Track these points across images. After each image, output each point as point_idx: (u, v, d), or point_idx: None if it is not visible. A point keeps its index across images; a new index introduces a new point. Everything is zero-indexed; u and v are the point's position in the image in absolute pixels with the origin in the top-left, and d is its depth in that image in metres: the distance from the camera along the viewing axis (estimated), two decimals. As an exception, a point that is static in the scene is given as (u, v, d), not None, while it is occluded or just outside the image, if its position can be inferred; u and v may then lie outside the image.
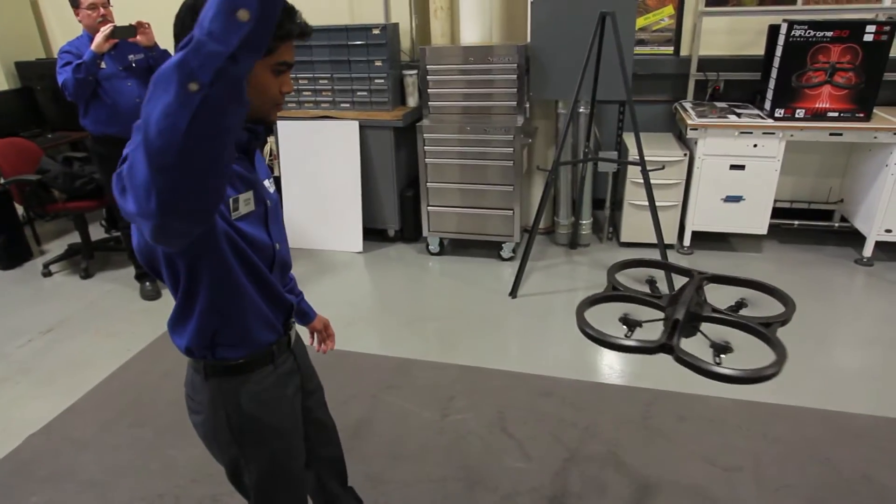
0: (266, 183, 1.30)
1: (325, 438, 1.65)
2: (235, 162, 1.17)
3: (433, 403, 2.68)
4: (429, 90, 3.91)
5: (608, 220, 4.35)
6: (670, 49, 4.33)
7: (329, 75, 4.20)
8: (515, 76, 3.75)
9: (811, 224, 4.26)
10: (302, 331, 1.56)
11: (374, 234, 4.38)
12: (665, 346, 1.40)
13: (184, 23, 1.08)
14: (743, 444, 2.41)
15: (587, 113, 3.82)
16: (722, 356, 1.41)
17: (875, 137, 3.62)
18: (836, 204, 4.31)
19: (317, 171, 4.20)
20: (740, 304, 1.61)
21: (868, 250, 3.87)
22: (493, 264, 4.04)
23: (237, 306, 1.22)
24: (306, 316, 1.66)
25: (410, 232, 4.33)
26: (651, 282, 1.79)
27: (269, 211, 1.28)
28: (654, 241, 3.56)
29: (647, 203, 3.50)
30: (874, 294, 3.60)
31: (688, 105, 4.13)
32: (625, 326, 1.59)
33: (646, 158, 3.43)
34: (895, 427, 2.48)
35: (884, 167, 3.66)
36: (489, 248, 4.15)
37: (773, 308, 1.57)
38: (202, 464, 2.22)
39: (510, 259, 4.04)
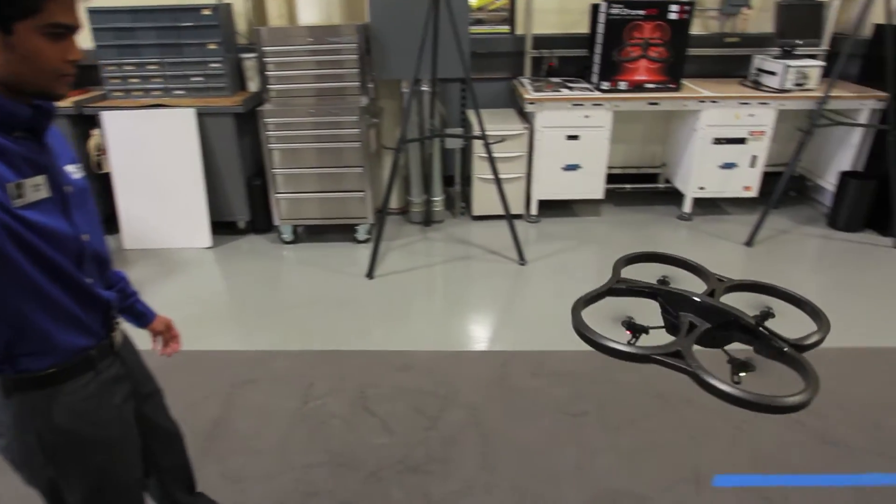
0: (70, 168, 1.18)
1: (167, 445, 1.55)
2: (18, 142, 1.05)
3: (293, 392, 2.62)
4: (268, 73, 3.76)
5: (460, 196, 4.48)
6: (507, 28, 4.50)
7: (158, 60, 3.90)
8: (357, 56, 3.71)
9: (641, 187, 4.68)
10: (143, 335, 1.46)
11: (223, 227, 4.16)
12: (677, 354, 1.23)
13: None
14: (590, 390, 2.61)
15: (430, 91, 3.88)
16: (741, 374, 1.25)
17: (685, 105, 4.03)
18: (661, 167, 4.76)
19: (152, 164, 3.89)
20: (765, 315, 1.40)
21: (687, 206, 4.33)
22: (350, 248, 4.01)
23: (32, 309, 1.09)
24: (144, 317, 1.53)
25: (262, 222, 4.17)
26: (663, 282, 1.62)
27: (71, 198, 1.15)
28: (508, 213, 3.73)
29: (493, 176, 3.64)
30: (694, 244, 4.04)
31: (525, 81, 4.33)
32: (628, 332, 1.41)
33: (487, 133, 3.56)
34: (712, 358, 2.81)
35: (693, 132, 4.10)
36: (345, 232, 4.11)
37: (798, 319, 1.45)
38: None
39: (366, 241, 4.03)
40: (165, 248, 4.00)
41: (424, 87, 3.97)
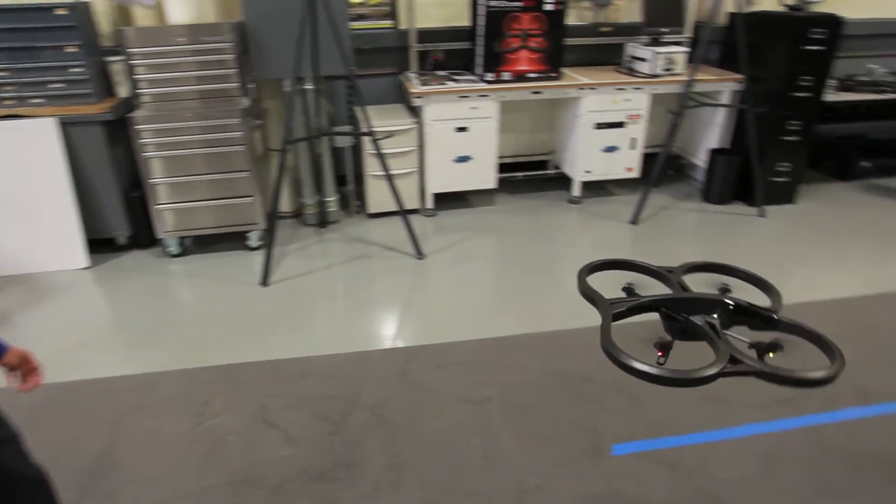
0: None
1: (30, 495, 1.41)
2: None
3: (185, 414, 2.48)
4: (138, 77, 3.52)
5: (354, 194, 4.41)
6: (390, 23, 4.47)
7: (8, 66, 3.55)
8: (233, 56, 3.55)
9: (532, 174, 4.81)
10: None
11: (101, 244, 3.86)
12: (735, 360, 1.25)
13: None
14: (492, 377, 2.65)
15: (315, 89, 3.78)
16: (770, 355, 1.33)
17: (566, 93, 4.18)
18: (549, 154, 4.92)
19: (10, 181, 3.54)
20: (725, 290, 1.55)
21: (576, 190, 4.50)
22: (243, 256, 3.85)
23: None
24: None
25: (145, 236, 3.91)
26: (629, 290, 1.65)
27: None
28: (402, 208, 3.70)
29: (385, 173, 3.60)
30: (585, 225, 4.21)
31: (412, 75, 4.32)
32: (660, 353, 1.39)
33: (375, 129, 3.52)
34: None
35: (576, 118, 4.26)
36: (236, 240, 3.94)
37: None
38: None
39: (259, 248, 3.88)
40: (34, 273, 3.66)
41: (308, 86, 3.87)
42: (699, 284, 1.68)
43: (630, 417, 2.43)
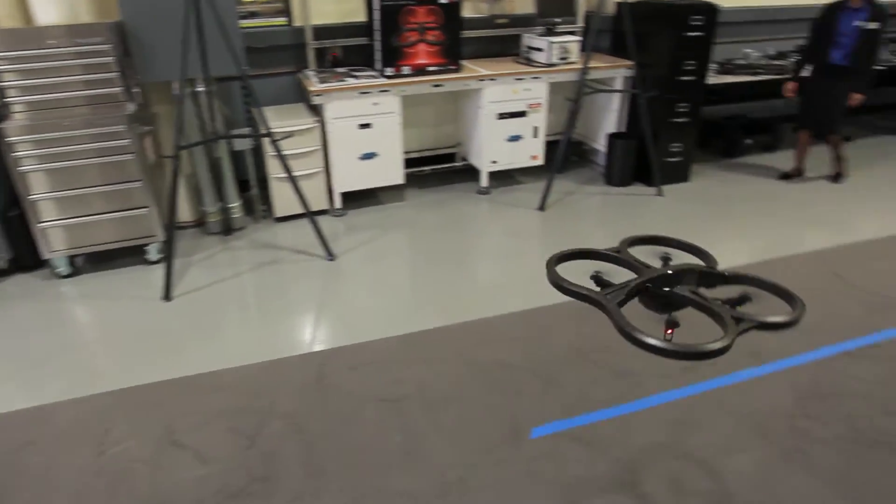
0: None
1: None
2: None
3: (84, 444, 2.31)
4: (5, 84, 3.23)
5: (259, 199, 4.26)
6: (284, 20, 4.33)
7: None
8: (114, 58, 3.32)
9: (440, 167, 4.83)
10: None
11: (-24, 270, 3.53)
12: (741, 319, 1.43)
13: None
14: (407, 373, 2.63)
15: (206, 91, 3.62)
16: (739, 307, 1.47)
17: (467, 85, 4.21)
18: (456, 147, 4.95)
19: None
20: (666, 259, 1.75)
21: (484, 181, 4.56)
22: (142, 271, 3.63)
23: None
24: None
25: (28, 258, 3.60)
26: (598, 277, 1.72)
27: None
28: (312, 209, 3.61)
29: (287, 175, 3.50)
30: (494, 215, 4.27)
31: (311, 73, 4.22)
32: (669, 331, 1.54)
33: (274, 129, 3.41)
34: (517, 319, 3.00)
35: (478, 109, 4.30)
36: (134, 255, 3.70)
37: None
38: None
39: (160, 261, 3.67)
40: None
41: (200, 88, 3.69)
42: (644, 256, 1.77)
43: (546, 400, 2.49)
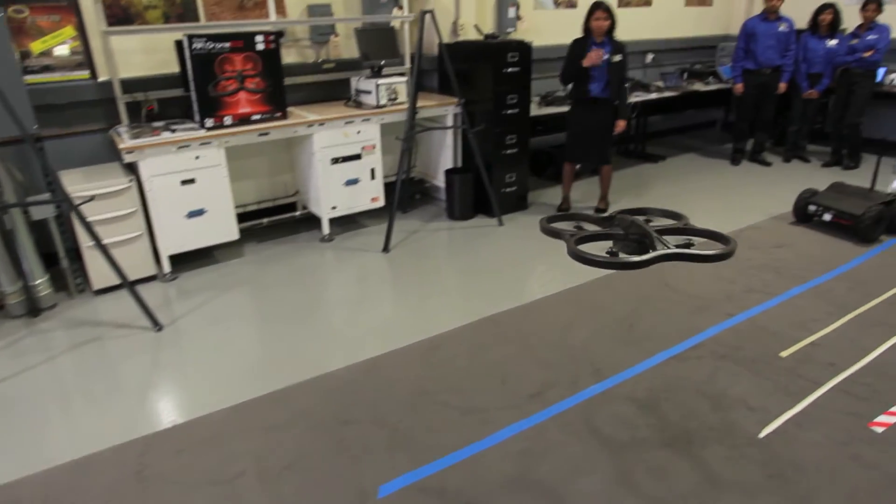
0: None
1: None
2: None
3: None
4: None
5: (71, 272, 3.79)
6: (86, 74, 3.97)
7: None
8: None
9: (278, 218, 4.63)
10: None
11: None
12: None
13: None
14: (243, 446, 2.40)
15: (-11, 156, 3.18)
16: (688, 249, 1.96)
17: (295, 132, 4.09)
18: (295, 195, 4.79)
19: None
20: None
21: (325, 228, 4.42)
22: (-84, 372, 3.05)
23: None
24: None
25: None
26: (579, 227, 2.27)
27: None
28: (136, 277, 3.27)
29: (108, 241, 3.15)
30: (339, 262, 4.14)
31: (122, 130, 3.87)
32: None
33: (74, 193, 3.06)
34: (361, 369, 2.87)
35: (312, 155, 4.19)
36: None
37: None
38: None
39: (-59, 357, 3.12)
40: None
41: (-20, 153, 3.24)
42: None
43: (393, 452, 2.37)
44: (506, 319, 3.32)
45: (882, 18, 5.64)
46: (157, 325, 3.32)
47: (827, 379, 2.74)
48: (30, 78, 3.74)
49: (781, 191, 5.27)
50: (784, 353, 2.94)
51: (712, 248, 1.96)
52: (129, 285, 3.25)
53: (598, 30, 4.30)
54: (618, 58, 4.40)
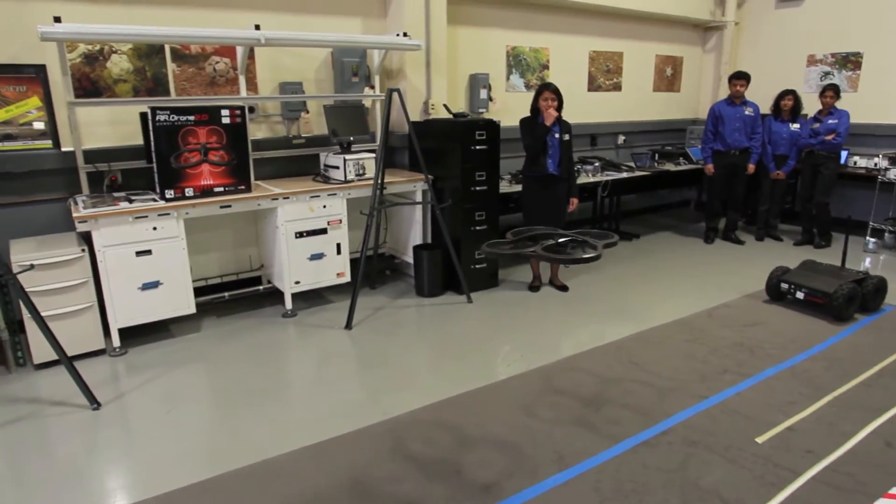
0: None
1: None
2: None
3: None
4: None
5: (11, 343, 3.58)
6: (48, 143, 3.93)
7: None
8: None
9: (240, 292, 4.48)
10: None
11: None
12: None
13: None
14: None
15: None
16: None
17: (259, 205, 4.02)
18: (259, 269, 4.66)
19: None
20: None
21: (289, 303, 4.27)
22: None
23: None
24: None
25: None
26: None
27: None
28: (83, 350, 3.08)
29: (54, 312, 2.98)
30: (300, 338, 3.97)
31: (80, 199, 3.79)
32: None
33: (20, 262, 2.93)
34: (304, 456, 2.66)
35: (276, 229, 4.11)
36: None
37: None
38: None
39: None
40: None
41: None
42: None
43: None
44: (468, 401, 3.13)
45: (840, 104, 5.86)
46: (95, 404, 3.10)
47: (806, 468, 2.56)
48: (-13, 146, 3.70)
49: (754, 269, 5.25)
50: (760, 439, 2.77)
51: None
52: (67, 360, 3.05)
53: (545, 109, 4.37)
54: (567, 137, 4.47)
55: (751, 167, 6.05)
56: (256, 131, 4.57)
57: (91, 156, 3.96)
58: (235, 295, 4.45)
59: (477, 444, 2.74)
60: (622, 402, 3.10)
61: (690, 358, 3.60)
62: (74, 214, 3.48)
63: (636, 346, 3.79)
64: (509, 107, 5.94)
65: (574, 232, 3.21)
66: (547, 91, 4.38)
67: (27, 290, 3.12)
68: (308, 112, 4.72)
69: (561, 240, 3.16)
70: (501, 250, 3.09)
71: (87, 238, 3.65)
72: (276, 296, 4.50)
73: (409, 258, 4.94)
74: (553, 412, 3.00)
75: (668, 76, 7.59)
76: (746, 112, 5.93)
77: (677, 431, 2.82)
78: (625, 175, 5.98)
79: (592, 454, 2.65)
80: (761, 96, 6.24)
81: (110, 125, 4.10)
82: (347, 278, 4.44)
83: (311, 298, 4.55)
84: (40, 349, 3.49)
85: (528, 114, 4.55)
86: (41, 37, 3.42)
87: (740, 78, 5.88)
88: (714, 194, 6.25)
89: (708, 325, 4.11)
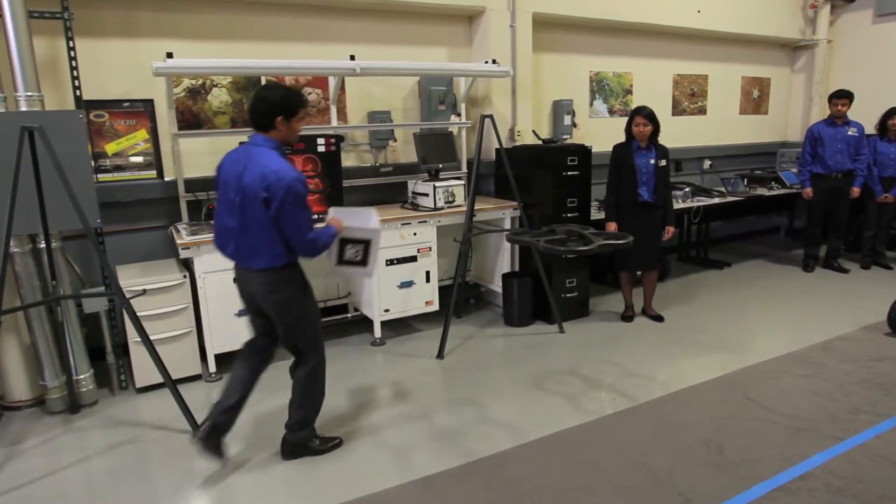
0: None
1: None
2: None
3: None
4: None
5: (115, 368, 3.68)
6: (153, 173, 4.09)
7: None
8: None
9: (329, 319, 4.47)
10: None
11: None
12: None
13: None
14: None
15: (47, 248, 3.18)
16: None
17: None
18: (347, 297, 4.66)
19: None
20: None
21: (377, 331, 4.23)
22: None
23: None
24: None
25: None
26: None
27: None
28: (181, 375, 3.12)
29: (157, 337, 3.04)
30: (389, 367, 3.90)
31: (182, 227, 3.90)
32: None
33: (129, 287, 3.00)
34: (415, 489, 2.55)
35: (367, 255, 4.09)
36: (-61, 452, 2.97)
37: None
38: None
39: (-25, 456, 2.96)
40: None
41: (42, 244, 3.25)
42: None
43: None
44: (575, 437, 2.96)
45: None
46: (197, 429, 3.10)
47: (972, 523, 2.27)
48: (102, 176, 3.87)
49: (867, 299, 4.85)
50: (912, 489, 2.48)
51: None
52: (172, 385, 3.08)
53: (639, 135, 4.22)
54: (663, 162, 4.28)
55: (855, 190, 5.66)
56: (346, 160, 4.61)
57: (191, 185, 4.09)
58: (324, 323, 4.44)
59: (591, 485, 2.56)
60: (745, 441, 2.86)
61: (814, 395, 3.30)
62: (178, 241, 3.57)
63: (748, 381, 3.52)
64: (592, 133, 5.81)
65: (577, 226, 3.64)
66: (638, 116, 4.24)
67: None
68: (395, 141, 4.75)
69: (558, 236, 3.48)
70: (522, 239, 3.53)
71: (186, 264, 3.74)
72: (362, 324, 4.47)
73: (495, 286, 4.83)
74: (671, 452, 2.79)
75: (755, 98, 7.30)
76: (850, 132, 5.57)
77: (817, 476, 2.56)
78: (717, 200, 5.72)
79: (724, 498, 2.43)
80: (859, 116, 5.87)
81: (209, 155, 4.23)
82: (436, 307, 4.37)
83: (398, 327, 4.50)
84: (142, 373, 3.57)
85: (620, 139, 4.42)
86: (155, 72, 3.57)
87: (842, 97, 5.54)
88: (813, 220, 5.88)
89: (825, 359, 3.79)
